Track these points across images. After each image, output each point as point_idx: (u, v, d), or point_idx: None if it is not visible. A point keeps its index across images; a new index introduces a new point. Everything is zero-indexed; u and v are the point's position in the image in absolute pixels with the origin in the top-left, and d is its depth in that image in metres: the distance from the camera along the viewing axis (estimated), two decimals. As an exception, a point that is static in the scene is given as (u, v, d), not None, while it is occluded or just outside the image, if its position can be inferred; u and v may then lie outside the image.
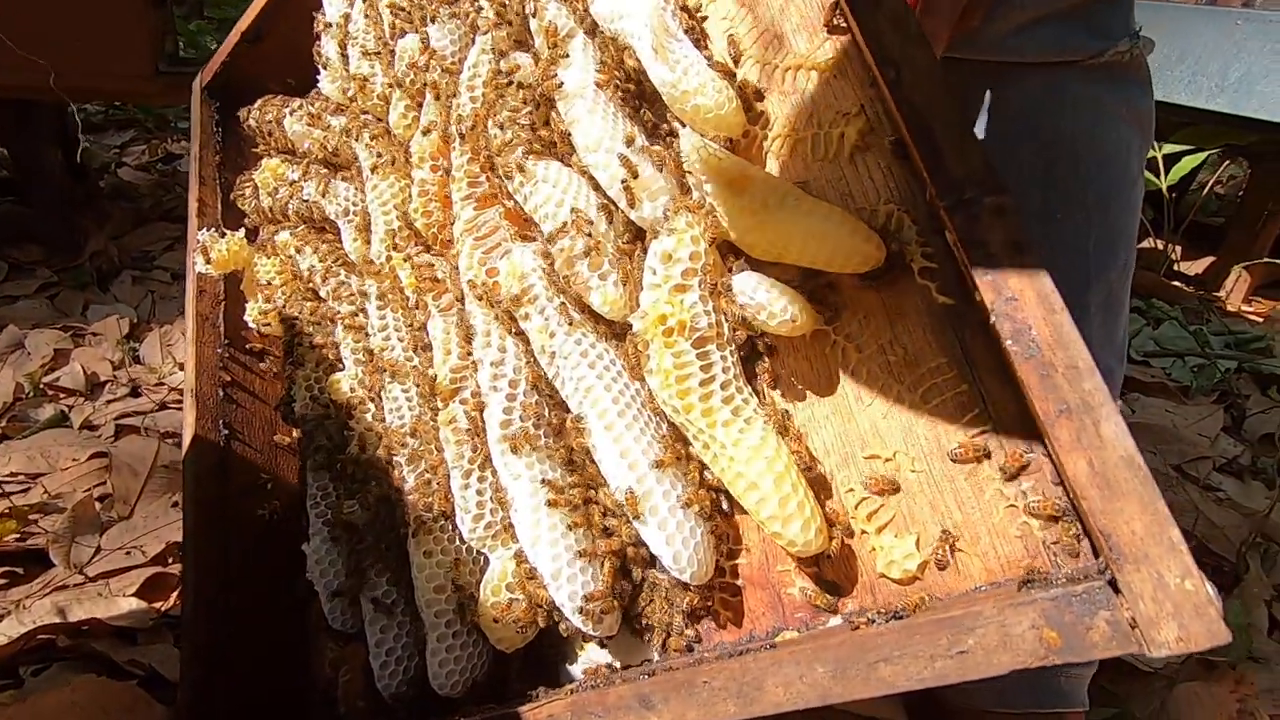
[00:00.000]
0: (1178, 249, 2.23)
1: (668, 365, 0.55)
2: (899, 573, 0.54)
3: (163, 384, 1.74)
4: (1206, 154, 1.92)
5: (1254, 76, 1.76)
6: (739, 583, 0.62)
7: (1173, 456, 1.43)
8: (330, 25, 1.01)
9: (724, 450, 0.55)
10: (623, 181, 0.61)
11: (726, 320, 0.57)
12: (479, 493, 0.68)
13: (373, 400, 0.81)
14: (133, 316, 1.95)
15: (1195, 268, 2.26)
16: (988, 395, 0.51)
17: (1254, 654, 1.05)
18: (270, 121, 1.06)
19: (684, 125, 0.62)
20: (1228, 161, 2.00)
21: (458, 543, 0.71)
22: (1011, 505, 0.50)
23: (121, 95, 2.50)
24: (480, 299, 0.71)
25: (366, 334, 0.83)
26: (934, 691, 0.71)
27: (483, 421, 0.68)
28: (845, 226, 0.51)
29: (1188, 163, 1.97)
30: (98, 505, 1.25)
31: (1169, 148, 2.04)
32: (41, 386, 1.62)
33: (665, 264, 0.57)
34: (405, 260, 0.78)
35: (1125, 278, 0.80)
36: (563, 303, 0.64)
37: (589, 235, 0.62)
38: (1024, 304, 0.39)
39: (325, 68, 1.00)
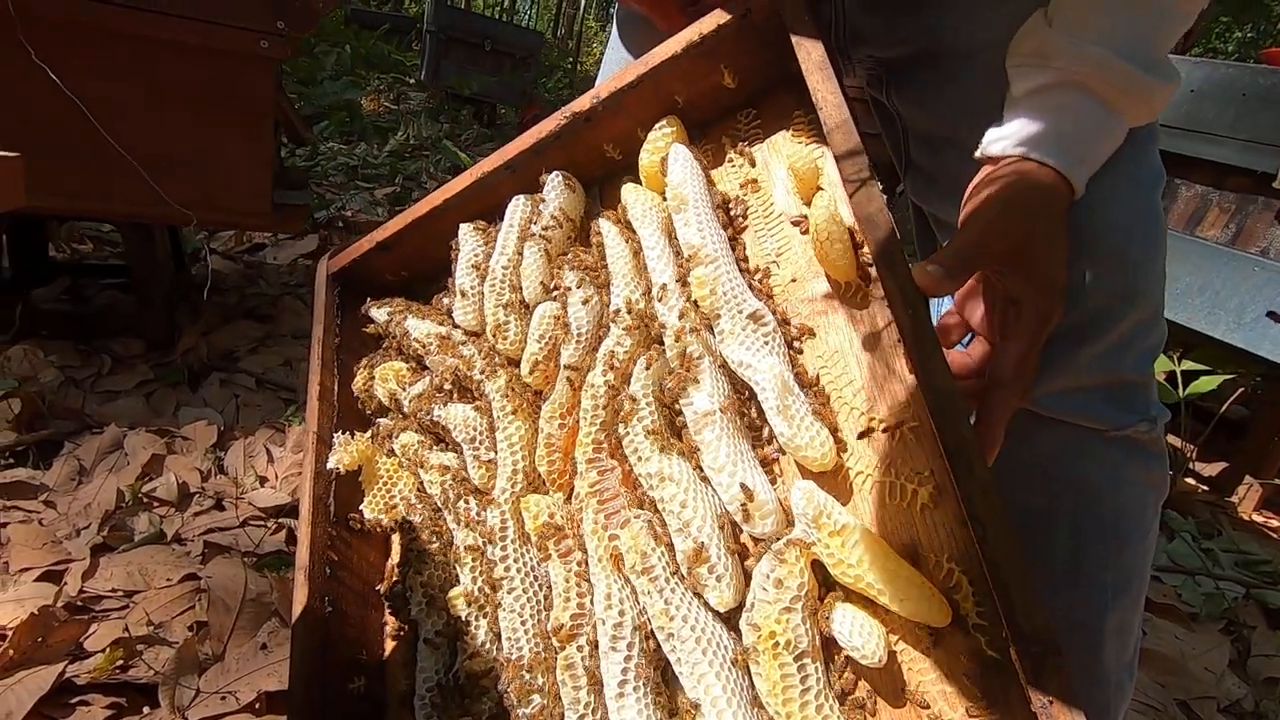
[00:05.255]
0: (1194, 449, 2.35)
1: (775, 677, 0.68)
2: None
3: (243, 497, 1.88)
4: (1223, 378, 2.07)
5: (1269, 319, 1.89)
6: None
7: (1179, 691, 1.50)
8: (470, 262, 1.17)
9: (815, 760, 0.67)
10: (741, 503, 0.75)
11: (820, 638, 0.70)
12: (591, 738, 0.80)
13: (487, 620, 0.93)
14: (219, 423, 2.12)
15: (1211, 469, 2.37)
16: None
17: None
18: (397, 326, 1.22)
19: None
20: (1242, 389, 2.14)
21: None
22: None
23: (239, 226, 2.68)
24: (601, 562, 0.85)
25: (486, 557, 0.96)
26: None
27: (599, 671, 0.81)
28: (927, 602, 0.64)
29: (1205, 382, 2.11)
30: (193, 636, 1.37)
31: (1187, 364, 2.18)
32: (140, 496, 1.77)
33: (777, 589, 0.70)
34: (532, 511, 0.92)
35: (1138, 605, 0.88)
36: (679, 587, 0.78)
37: (706, 547, 0.76)
38: (1072, 751, 0.52)
39: (461, 296, 1.17)
